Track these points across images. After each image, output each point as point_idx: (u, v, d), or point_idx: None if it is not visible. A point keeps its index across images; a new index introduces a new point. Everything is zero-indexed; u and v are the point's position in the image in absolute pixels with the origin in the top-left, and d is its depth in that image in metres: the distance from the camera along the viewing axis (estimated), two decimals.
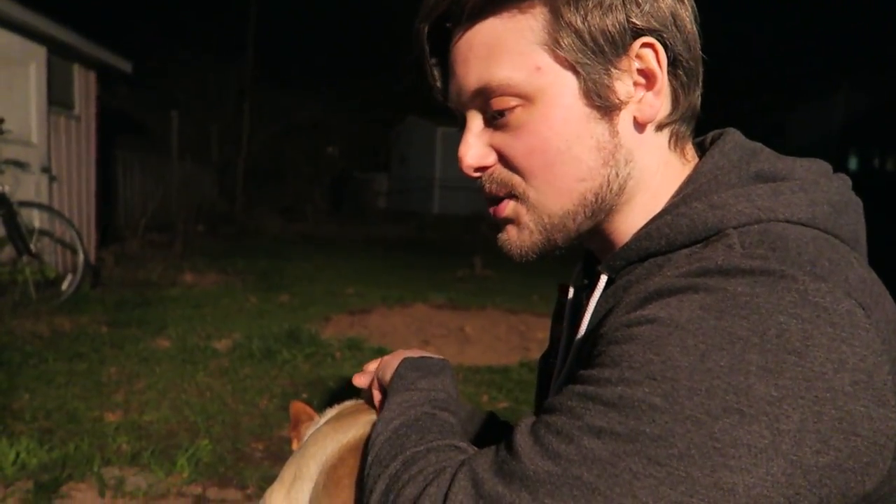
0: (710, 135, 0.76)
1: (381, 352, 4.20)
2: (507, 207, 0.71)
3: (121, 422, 3.08)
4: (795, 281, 0.53)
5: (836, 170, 0.69)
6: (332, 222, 15.49)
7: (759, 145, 0.70)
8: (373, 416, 0.96)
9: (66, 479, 2.60)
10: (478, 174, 0.72)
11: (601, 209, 0.69)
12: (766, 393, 0.49)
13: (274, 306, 5.72)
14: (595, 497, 0.51)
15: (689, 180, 0.68)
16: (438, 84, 0.73)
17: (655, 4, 0.63)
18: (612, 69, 0.64)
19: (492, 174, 0.71)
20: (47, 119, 6.28)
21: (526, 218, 0.70)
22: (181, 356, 4.03)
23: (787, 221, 0.60)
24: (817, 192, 0.62)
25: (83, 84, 7.06)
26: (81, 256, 5.72)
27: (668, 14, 0.64)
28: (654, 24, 0.63)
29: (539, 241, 0.71)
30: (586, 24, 0.62)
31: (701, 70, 0.69)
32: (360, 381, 1.02)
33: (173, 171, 10.21)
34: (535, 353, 4.44)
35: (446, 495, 0.59)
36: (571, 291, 0.88)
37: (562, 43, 0.62)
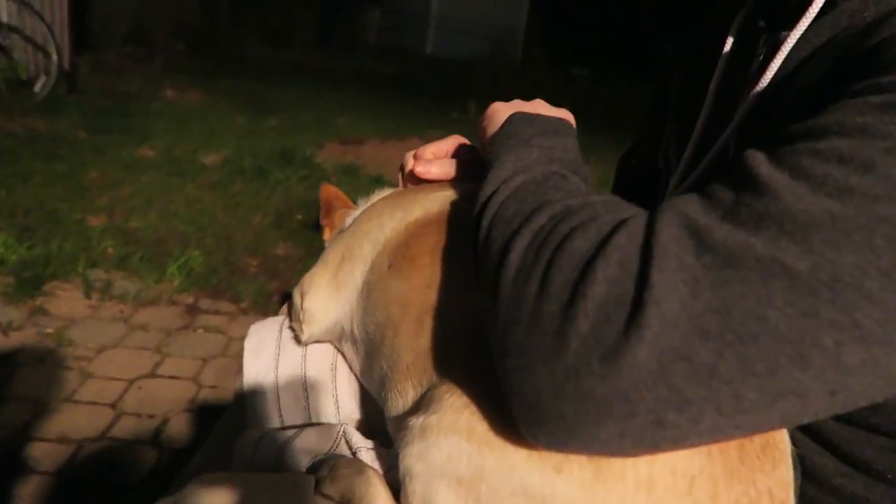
0: None
1: (378, 180, 4.01)
2: None
3: (105, 226, 2.91)
4: None
5: None
6: (320, 53, 14.72)
7: None
8: (448, 192, 0.76)
9: (49, 276, 2.46)
10: None
11: None
12: None
13: (263, 128, 5.42)
14: None
15: None
16: None
17: None
18: None
19: None
20: None
21: None
22: (167, 167, 3.80)
23: None
24: None
25: None
26: (55, 58, 5.28)
27: None
28: None
29: None
30: None
31: None
32: (427, 169, 0.82)
33: None
34: None
35: (647, 247, 0.39)
36: (730, 42, 0.68)
37: None
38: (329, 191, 1.06)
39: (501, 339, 0.43)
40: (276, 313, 0.90)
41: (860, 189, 0.36)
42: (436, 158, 0.83)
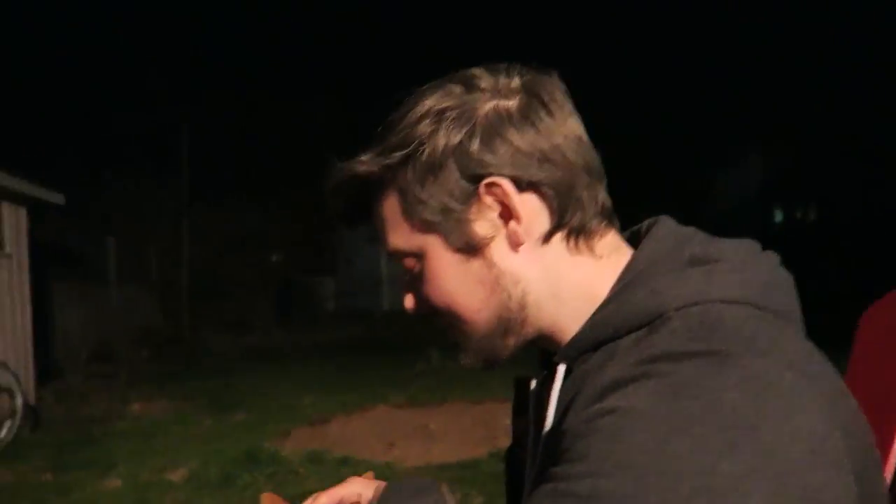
0: (646, 223, 0.80)
1: (344, 460, 4.06)
2: (450, 335, 0.80)
3: None
4: (740, 358, 0.56)
5: (762, 224, 0.74)
6: (281, 331, 15.20)
7: (691, 230, 0.75)
8: None
9: None
10: (418, 314, 0.81)
11: (513, 326, 0.76)
12: (730, 470, 0.51)
13: (229, 427, 5.49)
14: None
15: (629, 268, 0.73)
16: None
17: (490, 145, 0.71)
18: (466, 216, 0.73)
19: (426, 316, 0.81)
20: None
21: (462, 343, 0.79)
22: (133, 495, 3.80)
23: (722, 301, 0.64)
24: (747, 271, 0.68)
25: (13, 221, 6.90)
26: (19, 400, 5.42)
27: (507, 149, 0.71)
28: (491, 165, 0.71)
29: (478, 359, 0.79)
30: (425, 191, 0.73)
31: (585, 173, 0.74)
32: None
33: (112, 298, 9.94)
34: (504, 443, 4.33)
35: None
36: (534, 383, 0.88)
37: (414, 213, 0.74)
38: (268, 500, 1.14)
39: None
40: None
41: None
42: None
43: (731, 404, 0.53)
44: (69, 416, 6.24)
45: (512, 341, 0.77)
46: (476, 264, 0.74)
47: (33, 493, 3.92)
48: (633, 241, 0.79)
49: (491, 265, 0.74)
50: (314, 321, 17.16)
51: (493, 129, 0.71)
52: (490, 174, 0.71)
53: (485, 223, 0.73)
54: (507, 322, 0.76)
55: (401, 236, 0.76)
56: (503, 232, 0.73)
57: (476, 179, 0.71)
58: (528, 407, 1.01)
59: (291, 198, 23.27)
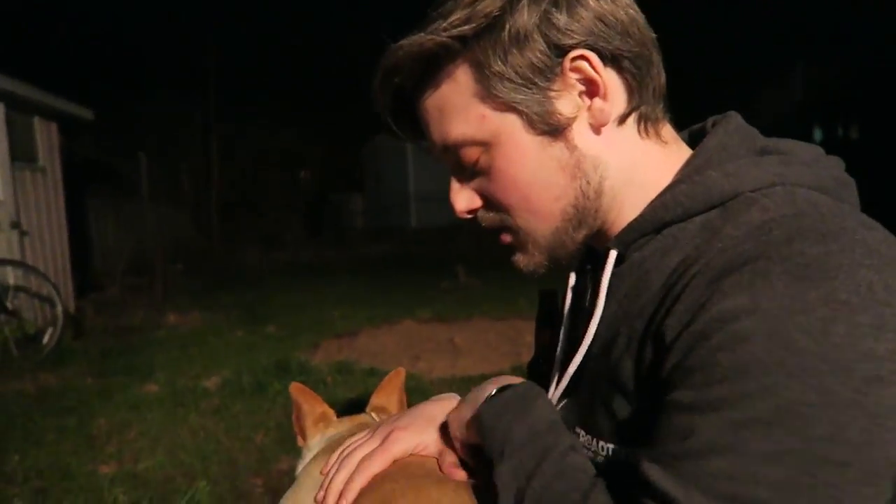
0: (711, 119, 0.78)
1: (371, 372, 4.18)
2: (507, 238, 0.76)
3: (115, 473, 3.03)
4: (855, 232, 0.54)
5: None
6: (311, 247, 15.42)
7: (756, 130, 0.73)
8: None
9: None
10: (471, 216, 0.76)
11: (587, 216, 0.71)
12: (885, 350, 0.49)
13: (261, 338, 5.67)
14: None
15: (697, 154, 0.70)
16: (414, 139, 0.78)
17: (575, 15, 0.65)
18: (550, 93, 0.67)
19: (481, 217, 0.76)
20: (12, 174, 6.20)
21: (528, 245, 0.74)
22: (171, 399, 3.98)
23: (803, 186, 0.63)
24: (819, 168, 0.66)
25: (45, 136, 6.98)
26: (60, 308, 5.64)
27: (590, 18, 0.66)
28: (578, 35, 0.65)
29: (543, 260, 0.75)
30: (508, 65, 0.66)
31: (654, 50, 0.70)
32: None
33: (146, 214, 10.12)
34: (527, 357, 4.40)
35: None
36: (573, 278, 0.86)
37: (492, 90, 0.67)
38: (296, 389, 1.21)
39: None
40: None
41: (754, 498, 0.49)
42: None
43: (866, 281, 0.51)
44: (108, 325, 6.48)
45: (582, 234, 0.73)
46: (557, 148, 0.69)
47: (77, 396, 4.12)
48: (696, 138, 0.76)
49: (573, 148, 0.69)
50: (343, 238, 17.35)
51: (533, 19, 0.65)
52: (576, 45, 0.65)
53: (568, 101, 0.68)
54: (583, 212, 0.71)
55: (470, 122, 0.69)
56: (585, 112, 0.68)
57: (562, 52, 0.66)
58: (552, 319, 1.00)
59: (321, 115, 23.14)
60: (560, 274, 0.89)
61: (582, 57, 0.66)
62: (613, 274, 0.72)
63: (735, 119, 0.73)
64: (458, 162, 0.73)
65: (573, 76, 0.67)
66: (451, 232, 14.51)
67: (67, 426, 3.62)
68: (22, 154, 6.49)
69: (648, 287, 0.67)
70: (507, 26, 0.65)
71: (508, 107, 0.67)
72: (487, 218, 0.76)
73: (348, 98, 23.39)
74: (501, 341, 5.05)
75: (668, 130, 0.74)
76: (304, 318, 6.51)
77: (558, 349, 0.85)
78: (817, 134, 19.19)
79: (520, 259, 0.76)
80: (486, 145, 0.69)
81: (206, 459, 3.13)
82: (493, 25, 0.66)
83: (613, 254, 0.72)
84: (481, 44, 0.66)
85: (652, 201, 0.70)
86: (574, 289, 0.86)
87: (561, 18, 0.65)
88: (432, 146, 0.74)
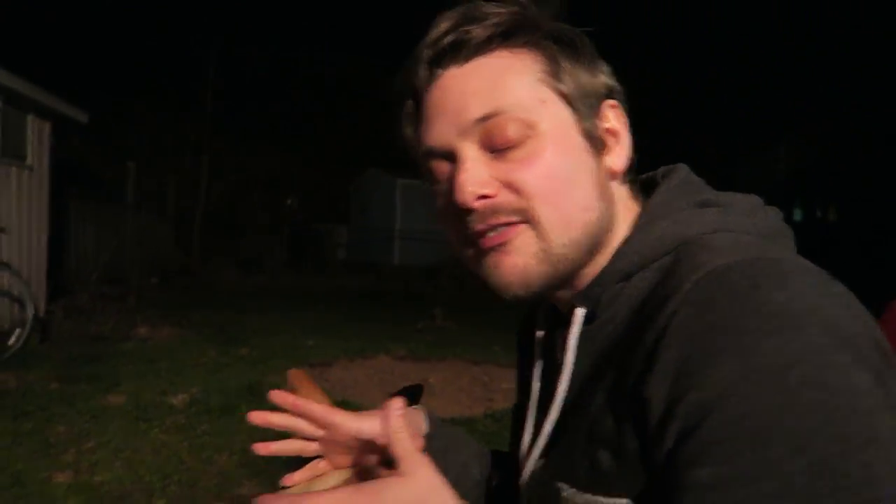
0: (662, 169, 0.80)
1: (343, 405, 4.10)
2: (516, 234, 0.68)
3: (70, 483, 2.93)
4: (806, 273, 0.56)
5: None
6: (291, 274, 15.31)
7: (702, 180, 0.76)
8: None
9: None
10: (479, 204, 0.68)
11: (596, 243, 0.71)
12: (867, 381, 0.50)
13: (233, 360, 5.58)
14: None
15: (650, 206, 0.73)
16: (411, 129, 0.74)
17: (609, 71, 0.73)
18: (597, 114, 0.72)
19: (496, 203, 0.68)
20: None
21: (535, 246, 0.68)
22: (135, 412, 3.88)
23: (742, 233, 0.66)
24: (757, 217, 0.71)
25: (37, 135, 6.94)
26: (30, 310, 5.51)
27: (615, 81, 0.74)
28: (615, 88, 0.73)
29: (545, 270, 0.69)
30: (576, 70, 0.70)
31: None
32: None
33: (128, 223, 10.02)
34: (500, 404, 4.39)
35: None
36: (539, 334, 0.84)
37: (561, 83, 0.69)
38: (295, 377, 1.05)
39: None
40: None
41: None
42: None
43: (832, 318, 0.52)
44: (77, 331, 6.35)
45: (575, 260, 0.70)
46: (594, 163, 0.70)
47: (38, 400, 4.01)
48: (650, 185, 0.79)
49: (602, 171, 0.72)
50: (324, 268, 17.27)
51: (596, 56, 0.73)
52: (613, 93, 0.73)
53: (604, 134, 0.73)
54: (597, 237, 0.70)
55: (529, 97, 0.67)
56: (608, 151, 0.73)
57: (604, 97, 0.72)
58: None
59: (313, 144, 23.24)
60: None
61: (614, 107, 0.72)
62: (582, 331, 0.72)
63: (679, 173, 0.76)
64: (485, 142, 0.68)
65: (605, 123, 0.72)
66: (432, 273, 14.52)
67: (23, 430, 3.51)
68: (11, 150, 6.42)
69: (618, 340, 0.67)
70: (583, 43, 0.72)
71: (569, 102, 0.70)
72: (500, 208, 0.67)
73: (342, 130, 23.58)
74: (475, 385, 5.01)
75: (636, 190, 0.78)
76: (278, 344, 6.42)
77: (531, 406, 0.82)
78: (797, 214, 19.64)
79: (511, 260, 0.68)
80: (534, 128, 0.67)
81: (167, 478, 3.04)
82: (574, 40, 0.71)
83: (580, 313, 0.72)
84: (560, 46, 0.71)
85: (612, 256, 0.72)
86: (541, 344, 0.85)
87: (606, 69, 0.73)
88: (449, 124, 0.69)
